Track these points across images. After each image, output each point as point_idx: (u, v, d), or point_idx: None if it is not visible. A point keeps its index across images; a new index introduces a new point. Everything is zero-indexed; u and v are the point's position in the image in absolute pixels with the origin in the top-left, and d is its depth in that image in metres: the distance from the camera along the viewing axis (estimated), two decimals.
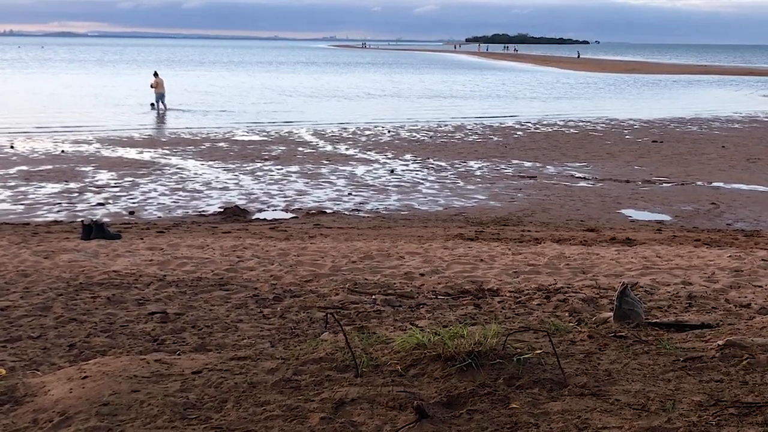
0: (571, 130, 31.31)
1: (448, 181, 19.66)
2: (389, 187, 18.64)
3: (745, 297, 8.45)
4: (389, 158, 23.26)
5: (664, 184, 19.38)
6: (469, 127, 31.92)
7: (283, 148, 25.11)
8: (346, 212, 15.90)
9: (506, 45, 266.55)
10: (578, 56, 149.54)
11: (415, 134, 29.30)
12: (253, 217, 15.32)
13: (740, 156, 24.37)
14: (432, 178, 19.94)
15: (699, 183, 19.58)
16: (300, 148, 25.04)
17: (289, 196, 17.39)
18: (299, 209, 16.09)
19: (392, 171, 20.95)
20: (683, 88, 64.26)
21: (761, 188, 19.03)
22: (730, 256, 11.01)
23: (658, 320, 6.37)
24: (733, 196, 17.91)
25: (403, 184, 19.14)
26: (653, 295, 8.52)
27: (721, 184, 19.43)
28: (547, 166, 22.02)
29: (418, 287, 9.07)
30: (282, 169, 21.01)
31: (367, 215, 15.65)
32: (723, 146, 26.63)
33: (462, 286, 9.07)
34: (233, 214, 15.40)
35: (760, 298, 8.35)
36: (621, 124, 34.01)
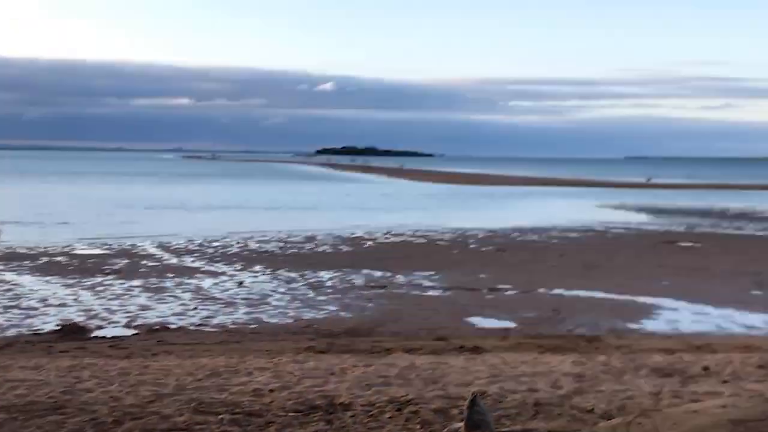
0: (420, 240, 31.96)
1: (299, 292, 19.52)
2: (237, 300, 18.28)
3: (589, 402, 8.65)
4: (238, 270, 22.92)
5: (509, 292, 19.92)
6: (319, 238, 32.03)
7: (126, 261, 24.33)
8: (191, 327, 15.43)
9: (353, 157, 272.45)
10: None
11: (264, 245, 29.10)
12: (93, 335, 14.62)
13: (578, 263, 25.43)
14: (282, 290, 19.74)
15: (541, 290, 20.23)
16: (144, 261, 24.33)
17: (132, 312, 16.75)
18: (142, 325, 15.48)
19: (241, 283, 20.62)
20: (523, 198, 67.13)
21: (599, 294, 19.83)
22: (572, 361, 11.31)
23: (507, 429, 6.39)
24: (573, 303, 18.57)
25: (251, 296, 18.83)
26: (501, 403, 8.59)
27: (561, 291, 20.13)
28: (397, 276, 22.26)
29: (267, 404, 8.79)
30: (124, 283, 20.29)
31: (213, 330, 15.23)
32: (562, 254, 27.76)
33: (313, 402, 8.86)
34: (71, 331, 14.65)
35: (603, 403, 8.56)
36: (466, 233, 34.98)
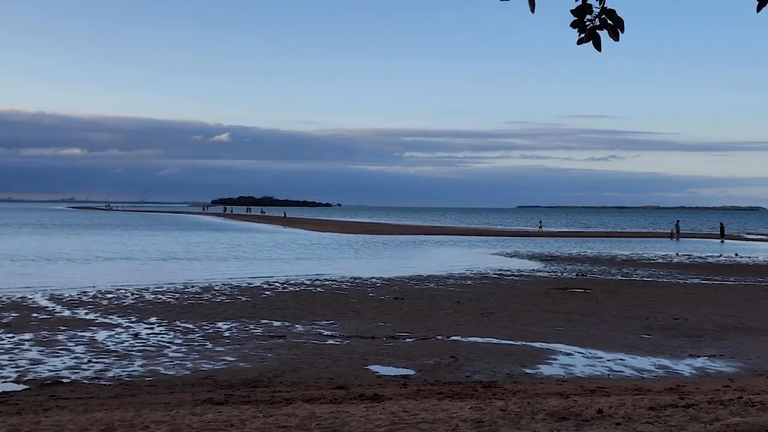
0: (318, 289, 31.91)
1: (196, 343, 19.20)
2: (133, 352, 17.86)
3: None
4: (133, 322, 22.40)
5: (407, 339, 20.08)
6: (216, 288, 31.63)
7: (15, 314, 23.47)
8: (85, 381, 14.98)
9: (248, 207, 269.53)
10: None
11: (160, 296, 28.55)
12: None
13: (474, 310, 25.85)
14: (179, 341, 19.39)
15: (439, 337, 20.47)
16: (34, 314, 23.51)
17: (22, 366, 16.15)
18: (33, 380, 14.95)
19: (136, 335, 20.16)
20: (419, 247, 67.88)
21: (495, 340, 20.21)
22: (471, 407, 11.49)
23: None
24: (471, 349, 18.85)
25: (147, 348, 18.43)
26: None
27: (459, 338, 20.42)
28: (296, 325, 22.16)
29: None
30: (14, 337, 19.56)
31: (108, 383, 14.83)
32: (458, 301, 28.16)
33: None
34: None
35: None
36: (365, 282, 35.14)
